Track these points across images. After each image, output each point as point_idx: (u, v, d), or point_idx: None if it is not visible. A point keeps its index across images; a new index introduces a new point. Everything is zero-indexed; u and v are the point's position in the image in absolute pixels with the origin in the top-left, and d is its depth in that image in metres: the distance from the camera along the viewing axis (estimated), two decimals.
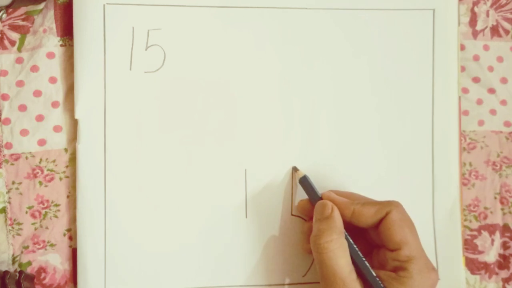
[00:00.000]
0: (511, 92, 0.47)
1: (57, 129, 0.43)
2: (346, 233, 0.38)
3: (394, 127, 0.45)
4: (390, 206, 0.37)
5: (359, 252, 0.37)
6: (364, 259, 0.37)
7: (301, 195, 0.44)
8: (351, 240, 0.38)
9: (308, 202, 0.42)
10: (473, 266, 0.46)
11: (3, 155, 0.42)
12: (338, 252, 0.36)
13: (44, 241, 0.43)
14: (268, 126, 0.44)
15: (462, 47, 0.47)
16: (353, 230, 0.39)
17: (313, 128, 0.44)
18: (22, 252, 0.42)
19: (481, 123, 0.47)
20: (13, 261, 0.42)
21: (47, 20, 0.43)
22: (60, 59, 0.43)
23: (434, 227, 0.45)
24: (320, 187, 0.43)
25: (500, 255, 0.47)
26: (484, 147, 0.47)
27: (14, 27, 0.43)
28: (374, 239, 0.39)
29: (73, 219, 0.43)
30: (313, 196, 0.41)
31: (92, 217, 0.42)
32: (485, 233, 0.47)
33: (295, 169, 0.43)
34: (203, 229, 0.43)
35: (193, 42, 0.43)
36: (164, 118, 0.43)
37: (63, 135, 0.43)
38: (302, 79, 0.44)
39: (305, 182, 0.42)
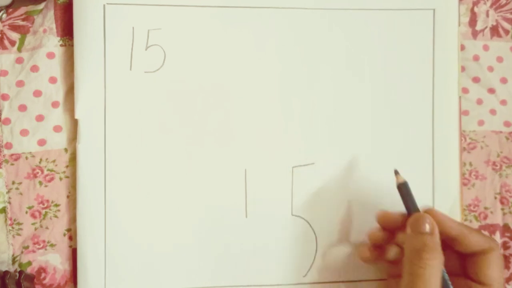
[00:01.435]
0: (511, 92, 0.47)
1: (57, 129, 0.43)
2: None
3: (394, 127, 0.45)
4: (494, 242, 0.38)
5: (446, 276, 0.37)
6: (450, 284, 0.37)
7: (301, 195, 0.44)
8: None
9: (392, 214, 0.40)
10: None
11: (3, 155, 0.42)
12: (437, 272, 0.36)
13: (44, 241, 0.43)
14: (268, 126, 0.44)
15: (462, 47, 0.47)
16: None
17: (313, 128, 0.44)
18: (22, 252, 0.42)
19: (481, 123, 0.47)
20: (13, 261, 0.42)
21: (47, 20, 0.43)
22: (60, 59, 0.43)
23: None
24: (321, 187, 0.43)
25: None
26: (484, 147, 0.47)
27: (14, 27, 0.43)
28: (455, 265, 0.39)
29: (73, 219, 0.43)
30: (412, 206, 0.39)
31: (92, 217, 0.42)
32: (485, 233, 0.47)
33: (396, 172, 0.41)
34: (203, 229, 0.43)
35: (193, 42, 0.43)
36: (164, 118, 0.43)
37: (63, 135, 0.43)
38: (302, 79, 0.44)
39: (404, 189, 0.40)
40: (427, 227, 0.37)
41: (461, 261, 0.39)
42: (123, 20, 0.42)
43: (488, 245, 0.38)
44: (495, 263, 0.38)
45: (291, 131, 0.44)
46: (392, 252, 0.40)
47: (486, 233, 0.46)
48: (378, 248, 0.41)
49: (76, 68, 0.42)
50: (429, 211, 0.39)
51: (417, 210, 0.39)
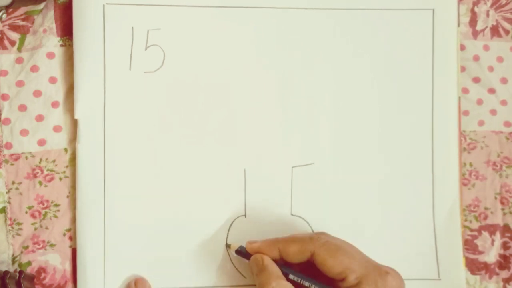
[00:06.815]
0: (511, 92, 0.47)
1: (57, 129, 0.43)
2: (296, 274, 0.38)
3: (394, 127, 0.45)
4: (312, 244, 0.37)
5: None
6: None
7: (300, 195, 0.44)
8: (300, 278, 0.37)
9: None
10: (473, 266, 0.46)
11: (3, 155, 0.42)
12: None
13: (44, 241, 0.43)
14: (267, 126, 0.44)
15: (462, 47, 0.47)
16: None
17: (312, 128, 0.44)
18: (22, 252, 0.42)
19: (481, 123, 0.47)
20: (13, 261, 0.42)
21: (47, 20, 0.43)
22: (60, 59, 0.43)
23: (435, 227, 0.45)
24: (320, 187, 0.43)
25: (500, 255, 0.46)
26: (484, 147, 0.47)
27: (14, 27, 0.43)
28: None
29: (73, 219, 0.43)
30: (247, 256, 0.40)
31: (92, 217, 0.42)
32: (485, 233, 0.47)
33: (228, 246, 0.43)
34: (203, 228, 0.43)
35: (192, 42, 0.43)
36: (164, 118, 0.43)
37: (63, 135, 0.43)
38: (302, 79, 0.44)
39: (241, 253, 0.41)
40: (259, 265, 0.38)
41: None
42: (122, 20, 0.43)
43: (307, 252, 0.37)
44: (328, 261, 0.36)
45: (290, 131, 0.44)
46: None
47: (486, 235, 0.46)
48: None
49: (76, 68, 0.42)
50: (249, 248, 0.40)
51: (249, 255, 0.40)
